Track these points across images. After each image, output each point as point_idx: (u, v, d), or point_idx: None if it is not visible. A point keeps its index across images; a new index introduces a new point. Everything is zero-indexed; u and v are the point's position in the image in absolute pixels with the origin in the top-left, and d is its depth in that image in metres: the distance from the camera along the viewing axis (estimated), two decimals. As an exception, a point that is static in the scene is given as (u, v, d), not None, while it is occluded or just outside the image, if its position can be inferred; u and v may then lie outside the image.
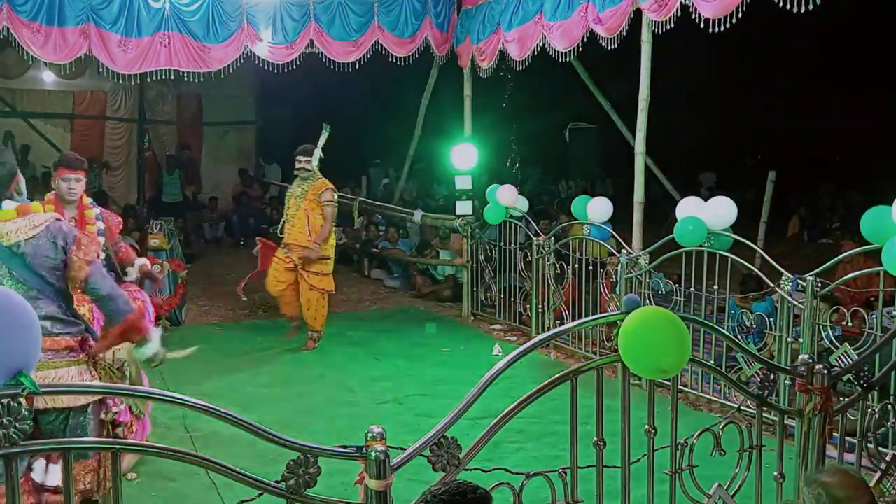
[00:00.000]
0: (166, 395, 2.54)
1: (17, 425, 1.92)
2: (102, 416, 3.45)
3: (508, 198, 8.05)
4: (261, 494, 2.17)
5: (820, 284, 4.96)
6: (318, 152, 7.25)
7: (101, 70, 7.99)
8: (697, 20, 5.81)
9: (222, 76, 8.31)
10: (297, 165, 7.20)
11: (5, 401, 1.90)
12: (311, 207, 7.13)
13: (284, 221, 7.28)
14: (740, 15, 5.50)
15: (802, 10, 5.14)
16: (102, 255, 4.11)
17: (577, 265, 7.04)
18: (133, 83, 10.65)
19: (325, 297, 7.34)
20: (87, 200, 4.67)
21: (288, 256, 7.17)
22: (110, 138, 14.33)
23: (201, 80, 8.50)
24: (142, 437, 4.28)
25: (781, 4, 5.22)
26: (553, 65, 7.78)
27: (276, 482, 2.17)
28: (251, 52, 8.30)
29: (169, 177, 14.11)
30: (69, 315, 3.22)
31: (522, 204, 8.26)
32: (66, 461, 2.10)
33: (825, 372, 3.00)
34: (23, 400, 1.92)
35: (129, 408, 3.75)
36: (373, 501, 2.22)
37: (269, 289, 7.34)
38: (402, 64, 8.94)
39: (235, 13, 8.19)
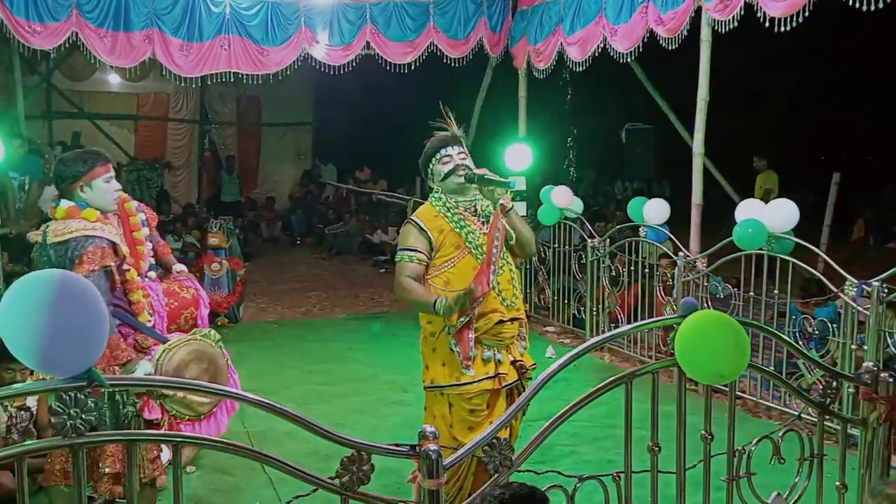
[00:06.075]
0: (226, 391, 2.62)
1: (84, 416, 1.98)
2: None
3: (563, 199, 7.98)
4: (315, 490, 2.19)
5: (886, 290, 4.81)
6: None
7: (164, 73, 8.21)
8: (762, 19, 5.68)
9: (280, 78, 8.46)
10: (449, 164, 3.78)
11: (72, 393, 1.96)
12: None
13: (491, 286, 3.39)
14: (807, 14, 5.37)
15: (872, 7, 4.99)
16: (110, 265, 3.45)
17: (632, 268, 6.95)
18: (194, 85, 10.91)
19: None
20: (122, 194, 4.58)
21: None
22: (172, 139, 14.68)
23: (260, 81, 8.67)
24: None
25: (851, 3, 5.07)
26: (609, 65, 7.69)
27: (330, 478, 2.19)
28: (308, 54, 8.42)
29: (228, 177, 14.41)
30: None
31: (577, 205, 8.18)
32: (129, 453, 2.16)
33: (891, 380, 2.91)
34: (90, 391, 1.97)
35: (163, 406, 3.65)
36: (425, 500, 2.22)
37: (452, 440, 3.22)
38: (457, 65, 8.96)
39: (293, 16, 8.33)
